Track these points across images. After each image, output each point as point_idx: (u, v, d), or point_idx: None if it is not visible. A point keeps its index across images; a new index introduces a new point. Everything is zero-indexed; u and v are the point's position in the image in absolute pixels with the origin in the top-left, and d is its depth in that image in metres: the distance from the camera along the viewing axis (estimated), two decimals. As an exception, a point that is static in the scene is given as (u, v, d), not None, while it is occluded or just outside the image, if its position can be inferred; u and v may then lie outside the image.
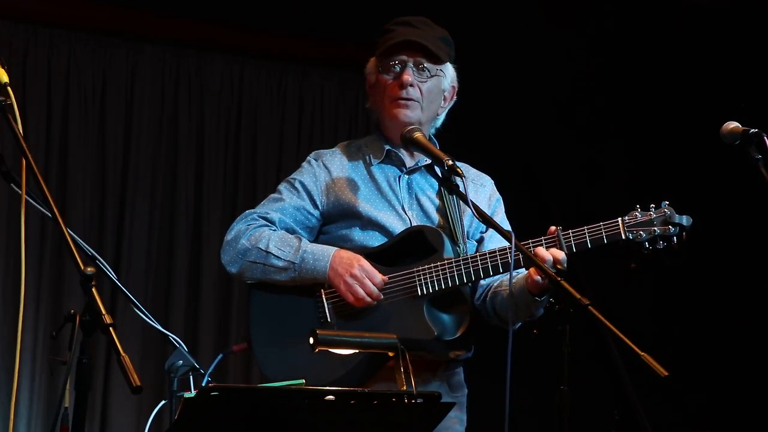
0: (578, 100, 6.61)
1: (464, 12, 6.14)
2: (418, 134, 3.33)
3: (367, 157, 3.48)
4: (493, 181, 3.59)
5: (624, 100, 6.61)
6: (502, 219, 3.51)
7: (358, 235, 3.39)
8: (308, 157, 3.54)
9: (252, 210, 3.45)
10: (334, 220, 3.43)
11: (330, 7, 6.13)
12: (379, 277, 3.27)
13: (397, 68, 3.41)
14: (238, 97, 6.35)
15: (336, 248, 3.32)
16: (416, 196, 3.46)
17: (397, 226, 3.39)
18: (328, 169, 3.46)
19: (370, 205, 3.40)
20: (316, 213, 3.43)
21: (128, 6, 6.04)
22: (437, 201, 3.46)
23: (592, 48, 6.59)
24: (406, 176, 3.47)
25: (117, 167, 6.06)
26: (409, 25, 3.44)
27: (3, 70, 2.80)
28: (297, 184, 3.45)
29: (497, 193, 3.56)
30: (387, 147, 3.47)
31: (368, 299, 3.27)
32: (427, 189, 3.48)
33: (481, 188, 3.51)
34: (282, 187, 3.48)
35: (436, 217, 3.44)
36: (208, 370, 3.36)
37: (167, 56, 6.21)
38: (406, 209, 3.43)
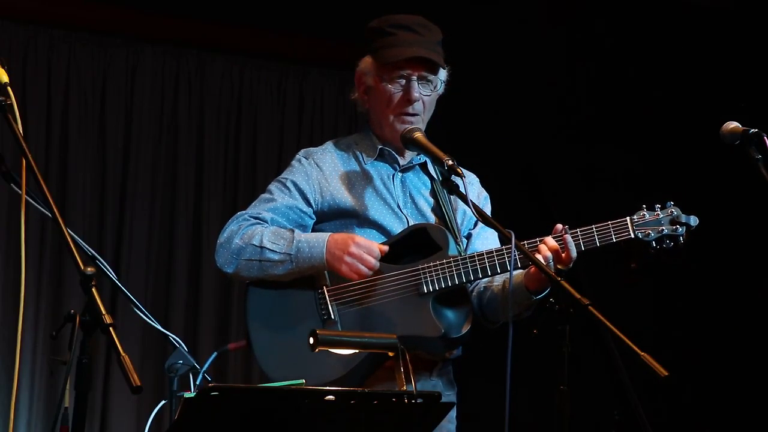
0: (578, 100, 6.61)
1: (465, 13, 6.15)
2: (418, 134, 3.35)
3: (360, 155, 3.48)
4: (478, 179, 3.60)
5: (624, 101, 6.61)
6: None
7: (355, 233, 3.37)
8: (297, 156, 3.52)
9: (243, 211, 3.43)
10: (329, 219, 3.42)
11: (330, 7, 6.13)
12: (376, 248, 3.27)
13: (402, 81, 3.41)
14: (238, 97, 6.35)
15: (329, 233, 3.31)
16: (410, 194, 3.47)
17: (394, 225, 3.40)
18: (320, 168, 3.45)
19: (366, 204, 3.40)
20: (310, 211, 3.41)
21: (128, 6, 6.04)
22: (431, 200, 3.48)
23: (593, 48, 6.59)
24: (400, 174, 3.48)
25: (117, 167, 6.06)
26: (409, 30, 3.42)
27: (3, 70, 2.80)
28: (288, 184, 3.43)
29: (484, 191, 3.58)
30: (380, 146, 3.47)
31: (370, 273, 3.27)
32: (421, 187, 3.49)
33: (468, 186, 3.49)
34: (273, 187, 3.46)
35: (430, 215, 3.45)
36: (203, 367, 3.36)
37: (167, 56, 6.21)
38: (402, 207, 3.43)
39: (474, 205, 3.16)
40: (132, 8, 6.05)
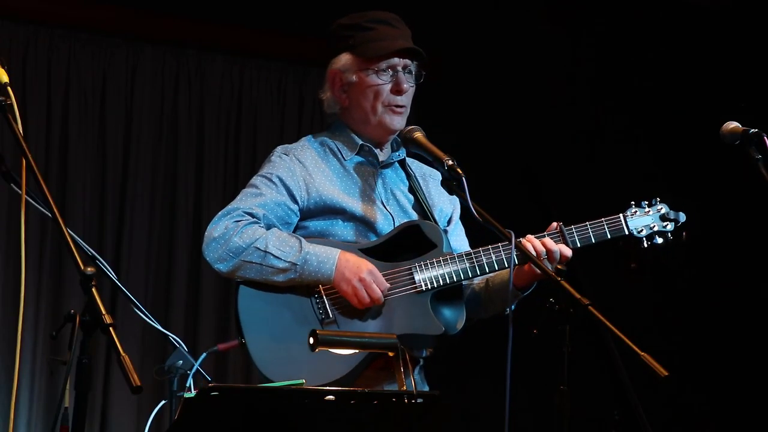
0: (579, 100, 6.61)
1: (465, 12, 6.15)
2: (418, 134, 3.34)
3: (339, 152, 3.45)
4: None
5: (624, 101, 6.61)
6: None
7: (340, 229, 3.35)
8: (275, 152, 3.45)
9: (235, 206, 3.35)
10: (314, 216, 3.36)
11: (330, 8, 6.12)
12: (385, 282, 3.26)
13: (390, 73, 3.40)
14: (238, 97, 6.35)
15: (339, 249, 3.27)
16: (391, 190, 3.45)
17: (380, 221, 3.37)
18: (302, 164, 3.40)
19: (352, 200, 3.37)
20: (296, 208, 3.35)
21: (128, 6, 6.05)
22: (410, 196, 3.47)
23: (592, 48, 6.60)
24: (380, 171, 3.46)
25: (117, 167, 6.06)
26: (387, 24, 3.43)
27: (3, 70, 2.80)
28: (275, 179, 3.36)
29: None
30: (361, 141, 3.45)
31: (372, 304, 3.24)
32: (399, 184, 3.48)
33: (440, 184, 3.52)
34: (258, 181, 3.39)
35: (412, 212, 3.44)
36: (194, 368, 3.34)
37: (167, 56, 6.21)
38: (385, 204, 3.41)
39: (475, 205, 3.15)
40: (132, 8, 6.06)
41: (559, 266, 3.22)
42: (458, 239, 3.50)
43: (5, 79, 2.78)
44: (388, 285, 3.26)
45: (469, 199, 3.12)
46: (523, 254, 3.16)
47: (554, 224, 3.33)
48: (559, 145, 6.52)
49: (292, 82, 6.44)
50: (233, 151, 6.32)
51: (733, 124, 3.26)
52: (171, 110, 6.21)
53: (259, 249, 3.24)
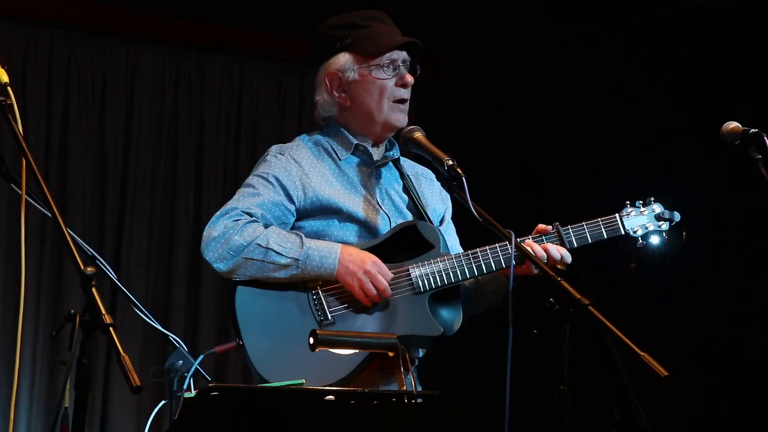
0: (578, 99, 6.61)
1: (466, 12, 6.15)
2: (418, 134, 3.34)
3: (333, 151, 3.43)
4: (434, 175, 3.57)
5: (624, 100, 6.61)
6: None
7: (336, 230, 3.34)
8: (270, 152, 3.42)
9: (233, 205, 3.31)
10: (310, 216, 3.34)
11: (330, 8, 6.12)
12: (389, 273, 3.25)
13: (392, 68, 3.40)
14: (238, 97, 6.35)
15: (340, 244, 3.27)
16: (386, 190, 3.45)
17: (376, 221, 3.37)
18: (298, 163, 3.38)
19: (348, 200, 3.35)
20: (292, 208, 3.33)
21: (128, 6, 6.05)
22: (405, 196, 3.46)
23: (592, 47, 6.60)
24: (375, 170, 3.45)
25: (117, 167, 6.06)
26: (381, 21, 3.44)
27: (3, 70, 2.80)
28: (271, 179, 3.33)
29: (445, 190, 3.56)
30: (355, 141, 3.43)
31: (378, 297, 3.23)
32: (394, 183, 3.47)
33: (431, 182, 3.51)
34: (254, 181, 3.35)
35: (407, 212, 3.43)
36: (191, 370, 3.34)
37: (167, 56, 6.21)
38: (381, 204, 3.41)
39: (475, 205, 3.15)
40: (132, 8, 6.06)
41: (559, 266, 3.23)
42: (450, 239, 3.49)
43: (5, 79, 2.77)
44: (392, 275, 3.26)
45: (469, 199, 3.12)
46: (523, 255, 3.16)
47: (541, 226, 3.33)
48: (558, 145, 6.52)
49: (292, 82, 6.44)
50: (233, 151, 6.32)
51: (733, 124, 3.26)
52: (171, 110, 6.21)
53: (260, 246, 3.22)
